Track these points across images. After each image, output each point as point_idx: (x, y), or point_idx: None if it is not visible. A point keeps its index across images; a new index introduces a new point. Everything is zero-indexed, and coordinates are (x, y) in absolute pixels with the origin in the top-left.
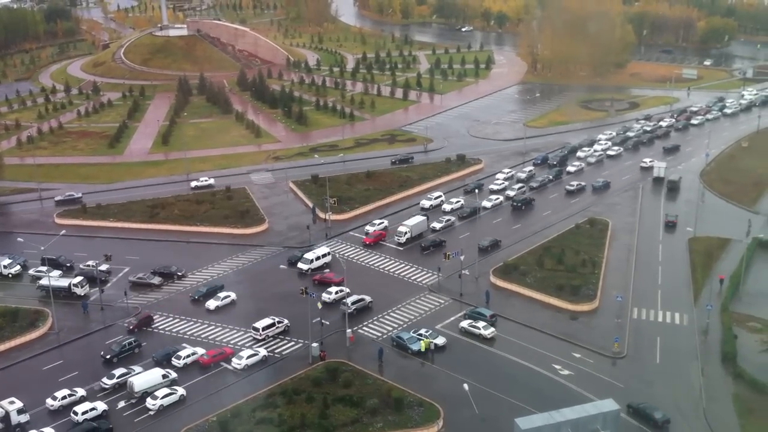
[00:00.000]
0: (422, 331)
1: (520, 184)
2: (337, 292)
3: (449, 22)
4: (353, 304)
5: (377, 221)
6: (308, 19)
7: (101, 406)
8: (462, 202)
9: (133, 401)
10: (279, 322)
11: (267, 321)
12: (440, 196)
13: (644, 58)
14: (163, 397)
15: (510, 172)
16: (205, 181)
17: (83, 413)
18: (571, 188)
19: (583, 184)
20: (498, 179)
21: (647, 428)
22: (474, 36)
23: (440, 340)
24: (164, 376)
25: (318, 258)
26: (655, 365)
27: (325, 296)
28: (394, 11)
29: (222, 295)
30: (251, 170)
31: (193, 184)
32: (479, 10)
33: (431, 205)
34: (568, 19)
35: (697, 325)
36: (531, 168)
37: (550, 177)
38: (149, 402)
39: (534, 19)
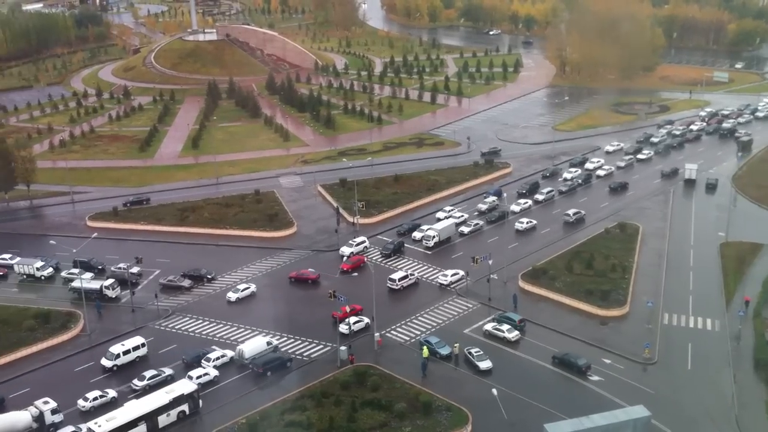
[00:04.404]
0: (473, 350)
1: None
2: (356, 322)
3: (477, 26)
4: (574, 214)
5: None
6: (336, 23)
7: (213, 371)
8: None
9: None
10: (411, 275)
11: (401, 273)
12: (364, 241)
13: (674, 60)
14: (354, 323)
15: (452, 209)
16: None
17: (197, 378)
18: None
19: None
20: (440, 218)
21: (572, 375)
22: (502, 39)
23: (485, 364)
24: (268, 343)
25: (127, 351)
26: (687, 372)
27: (343, 327)
28: (422, 15)
29: (242, 287)
30: (280, 174)
31: None
32: (507, 13)
33: (351, 252)
34: (596, 22)
35: (729, 331)
36: (483, 205)
37: (580, 181)
38: (342, 328)
39: (562, 22)
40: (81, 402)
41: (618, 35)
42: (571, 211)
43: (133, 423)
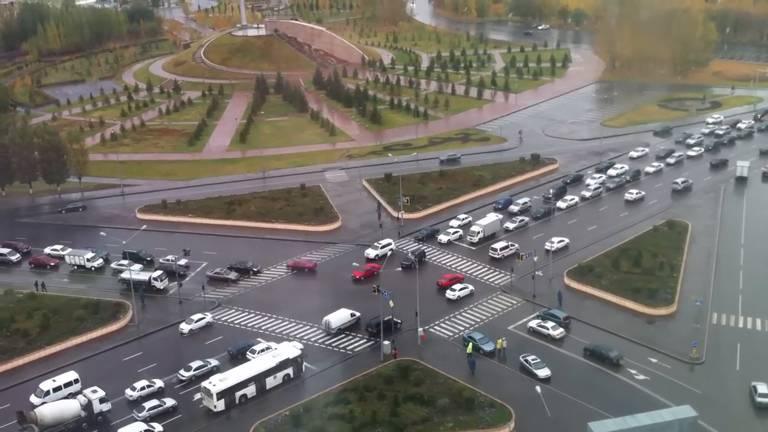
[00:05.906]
0: (530, 358)
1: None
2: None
3: (525, 20)
4: (682, 183)
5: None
6: (383, 19)
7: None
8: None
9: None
10: (512, 245)
11: (503, 243)
12: (389, 243)
13: (727, 56)
14: (460, 290)
15: (466, 218)
16: None
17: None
18: None
19: None
20: (453, 226)
21: (604, 367)
22: (550, 34)
23: (544, 372)
24: (352, 314)
25: (58, 388)
26: (735, 372)
27: (450, 294)
28: (470, 9)
29: (195, 317)
30: (325, 168)
31: None
32: (556, 7)
33: (376, 255)
34: (647, 17)
35: None
36: (515, 207)
37: (628, 178)
38: (449, 293)
39: (612, 17)
40: (129, 391)
41: (670, 30)
42: (679, 180)
43: (244, 383)
